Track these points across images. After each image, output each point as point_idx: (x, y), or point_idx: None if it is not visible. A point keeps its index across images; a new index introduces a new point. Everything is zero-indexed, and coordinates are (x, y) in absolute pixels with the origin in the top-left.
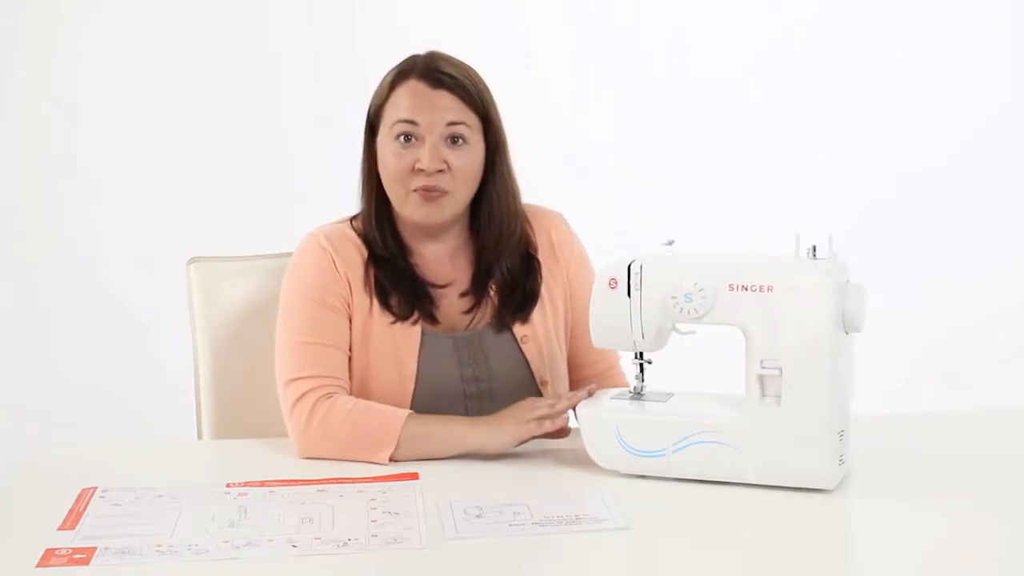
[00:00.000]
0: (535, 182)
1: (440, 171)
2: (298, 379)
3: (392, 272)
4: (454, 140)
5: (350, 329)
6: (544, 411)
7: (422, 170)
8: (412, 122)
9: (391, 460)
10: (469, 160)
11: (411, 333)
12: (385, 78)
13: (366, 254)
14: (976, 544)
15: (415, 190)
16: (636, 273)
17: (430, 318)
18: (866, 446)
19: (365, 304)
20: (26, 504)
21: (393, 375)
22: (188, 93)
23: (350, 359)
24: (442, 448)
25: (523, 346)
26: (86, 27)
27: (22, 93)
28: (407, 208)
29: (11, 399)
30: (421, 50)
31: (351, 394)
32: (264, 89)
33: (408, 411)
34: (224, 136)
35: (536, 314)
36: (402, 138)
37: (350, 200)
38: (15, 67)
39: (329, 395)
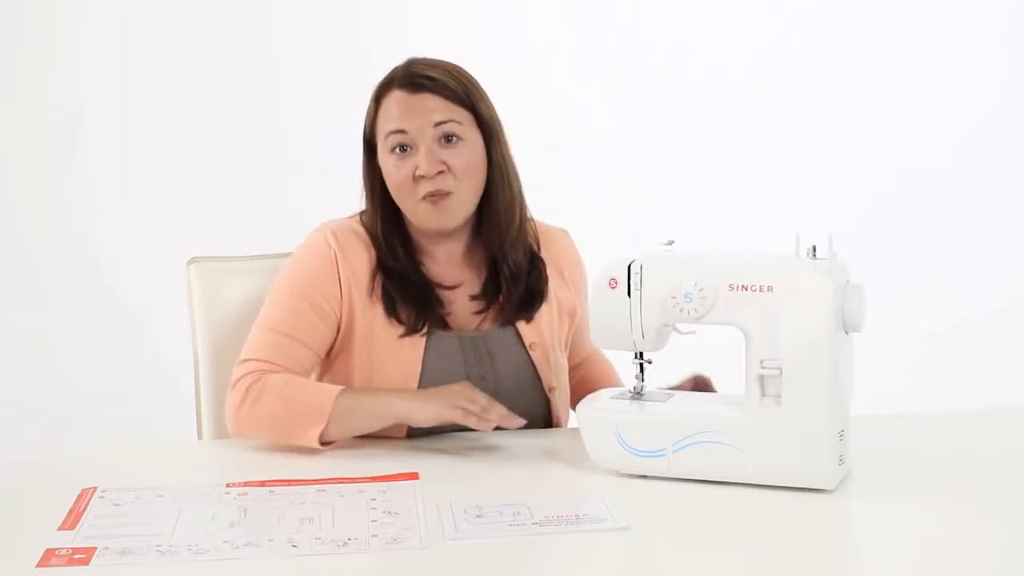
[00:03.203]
0: (535, 182)
1: (440, 173)
2: (250, 360)
3: (402, 283)
4: (448, 139)
5: (347, 328)
6: (474, 409)
7: (423, 176)
8: (401, 131)
9: (322, 441)
10: (468, 157)
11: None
12: (372, 96)
13: (375, 254)
14: (976, 544)
15: (423, 198)
16: (636, 273)
17: (442, 324)
18: (866, 446)
19: (369, 303)
20: (26, 504)
21: (397, 373)
22: (189, 93)
23: (352, 357)
24: (372, 419)
25: (531, 353)
26: (87, 27)
27: (24, 93)
28: (419, 218)
29: (11, 399)
30: (402, 59)
31: None
32: (265, 89)
33: (340, 387)
34: (225, 136)
35: (544, 322)
36: (398, 149)
37: (351, 200)
38: (17, 67)
39: (267, 375)
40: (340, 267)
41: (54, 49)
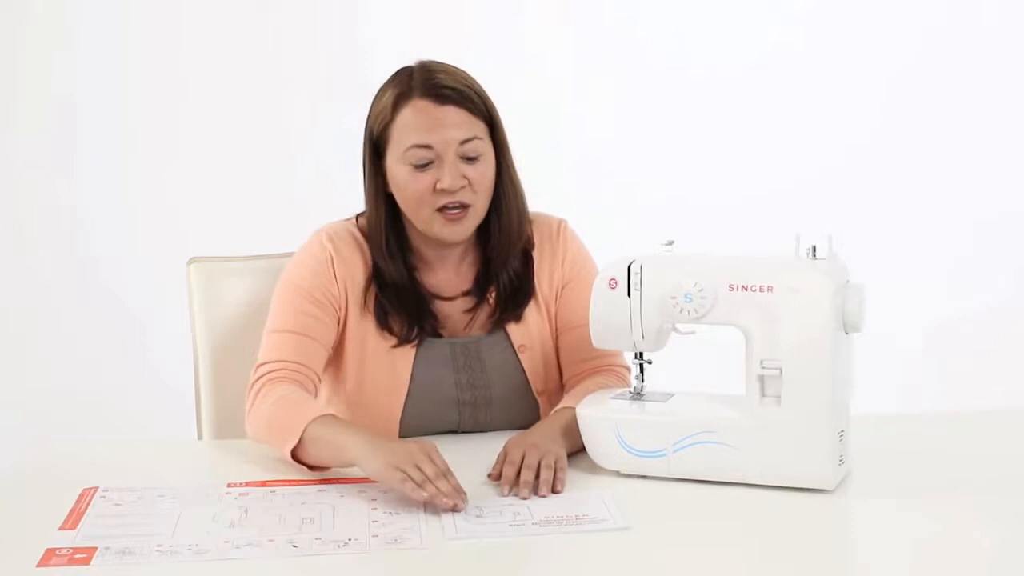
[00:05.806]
0: (535, 183)
1: (462, 187)
2: (263, 364)
3: (396, 294)
4: (468, 155)
5: (341, 331)
6: (415, 477)
7: (445, 190)
8: (426, 146)
9: (294, 457)
10: (484, 170)
11: None
12: (383, 97)
13: (370, 262)
14: (975, 544)
15: (438, 209)
16: (636, 273)
17: (434, 334)
18: (866, 446)
19: (362, 314)
20: (26, 504)
21: (387, 379)
22: (189, 93)
23: (343, 362)
24: (333, 454)
25: (520, 355)
26: (87, 26)
27: (23, 92)
28: (432, 229)
29: (11, 399)
30: (411, 62)
31: (334, 395)
32: (264, 89)
33: (326, 412)
34: (225, 136)
35: (534, 322)
36: (417, 162)
37: (351, 200)
38: (16, 66)
39: (276, 380)
40: (336, 267)
41: (54, 48)
